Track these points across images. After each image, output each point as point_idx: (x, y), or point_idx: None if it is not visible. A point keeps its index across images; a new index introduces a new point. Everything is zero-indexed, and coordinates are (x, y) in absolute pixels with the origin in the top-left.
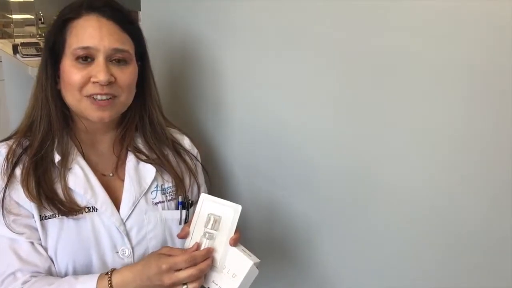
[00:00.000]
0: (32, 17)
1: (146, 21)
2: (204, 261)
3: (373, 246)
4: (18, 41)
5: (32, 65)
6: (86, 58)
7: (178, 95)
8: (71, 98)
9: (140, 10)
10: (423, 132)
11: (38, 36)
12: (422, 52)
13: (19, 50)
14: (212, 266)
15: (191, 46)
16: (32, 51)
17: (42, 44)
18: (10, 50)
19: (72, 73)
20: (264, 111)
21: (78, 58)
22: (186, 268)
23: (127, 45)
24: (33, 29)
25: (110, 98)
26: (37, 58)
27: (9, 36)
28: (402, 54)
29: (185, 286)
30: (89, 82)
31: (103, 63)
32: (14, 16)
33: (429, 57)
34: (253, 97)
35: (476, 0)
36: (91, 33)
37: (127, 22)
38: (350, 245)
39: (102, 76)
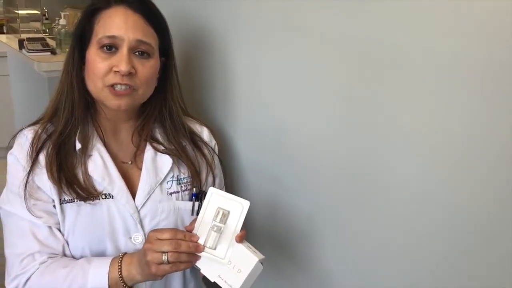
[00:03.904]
0: (38, 12)
1: None
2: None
3: (376, 245)
4: (23, 36)
5: (38, 60)
6: (111, 47)
7: (187, 88)
8: (93, 86)
9: None
10: (426, 131)
11: (42, 31)
12: (425, 50)
13: (25, 45)
14: (217, 260)
15: (201, 41)
16: (38, 46)
17: (48, 39)
18: (16, 45)
19: (96, 62)
20: (268, 110)
21: (103, 46)
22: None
23: (151, 39)
24: (37, 25)
25: (128, 88)
26: (42, 53)
27: (14, 31)
28: (406, 53)
29: (165, 256)
30: (110, 71)
31: (126, 54)
32: (20, 11)
33: (432, 55)
34: (262, 95)
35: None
36: (117, 23)
37: (154, 16)
38: (353, 244)
39: (123, 66)
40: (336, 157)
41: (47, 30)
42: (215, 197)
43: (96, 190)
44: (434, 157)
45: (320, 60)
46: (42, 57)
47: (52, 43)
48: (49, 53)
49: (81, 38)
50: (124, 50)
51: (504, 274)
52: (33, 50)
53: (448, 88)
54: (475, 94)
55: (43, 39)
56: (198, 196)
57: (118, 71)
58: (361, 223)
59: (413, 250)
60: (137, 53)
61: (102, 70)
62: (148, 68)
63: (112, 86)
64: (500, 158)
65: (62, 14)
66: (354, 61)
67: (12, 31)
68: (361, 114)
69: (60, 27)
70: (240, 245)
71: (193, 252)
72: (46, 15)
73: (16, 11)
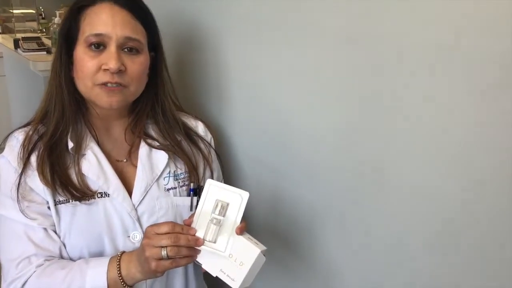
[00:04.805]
0: (33, 11)
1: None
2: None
3: (378, 239)
4: (19, 36)
5: (34, 60)
6: (99, 45)
7: (182, 83)
8: (83, 85)
9: None
10: (432, 127)
11: (39, 31)
12: (431, 46)
13: (20, 44)
14: (218, 253)
15: (194, 35)
16: (34, 45)
17: (44, 39)
18: (11, 45)
19: (84, 61)
20: (268, 103)
21: (90, 45)
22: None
23: (139, 35)
24: (34, 24)
25: (119, 86)
26: (38, 53)
27: (9, 31)
28: (410, 49)
29: (164, 251)
30: (100, 70)
31: (114, 51)
32: (15, 11)
33: (439, 53)
34: (258, 90)
35: None
36: (104, 20)
37: (141, 12)
38: (355, 237)
39: (112, 64)
40: (338, 149)
41: (44, 30)
42: (213, 189)
43: (91, 190)
44: (438, 153)
45: (321, 54)
46: (37, 56)
47: (48, 42)
48: (45, 53)
49: (67, 37)
50: (112, 47)
51: (509, 274)
52: (28, 49)
53: (454, 85)
54: (482, 91)
55: (38, 38)
56: (196, 191)
57: (107, 69)
58: (365, 216)
59: (418, 244)
60: (126, 50)
61: (91, 69)
62: (138, 65)
63: (102, 84)
64: (507, 156)
65: (58, 13)
66: (358, 56)
67: (8, 31)
68: (364, 108)
69: (55, 26)
70: (240, 237)
71: (193, 246)
72: (43, 14)
73: (11, 11)
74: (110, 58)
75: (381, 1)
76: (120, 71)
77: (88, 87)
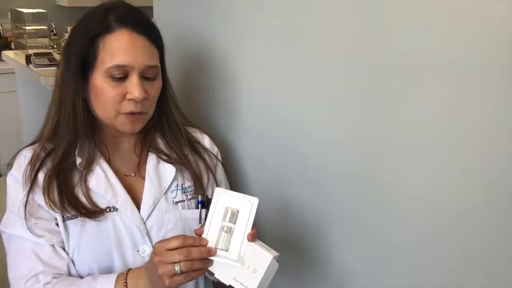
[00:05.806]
0: (45, 27)
1: (158, 21)
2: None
3: (387, 244)
4: (31, 51)
5: (45, 75)
6: (120, 76)
7: (190, 95)
8: (104, 113)
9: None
10: (437, 134)
11: (50, 47)
12: (433, 52)
13: (32, 60)
14: (231, 262)
15: (202, 48)
16: (45, 61)
17: (55, 54)
18: (23, 61)
19: (106, 90)
20: (275, 111)
21: (112, 75)
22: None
23: (156, 60)
24: (45, 41)
25: (142, 113)
26: (49, 68)
27: (22, 47)
28: (414, 53)
29: (178, 266)
30: (124, 99)
31: (137, 80)
32: (28, 27)
33: (441, 57)
34: (264, 97)
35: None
36: (125, 49)
37: (154, 34)
38: (364, 243)
39: (137, 93)
40: (345, 156)
41: (55, 46)
42: (223, 196)
43: (100, 207)
44: (443, 159)
45: (327, 61)
46: (49, 71)
47: (59, 58)
48: (56, 68)
49: (82, 61)
50: (134, 77)
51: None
52: (40, 65)
53: (457, 92)
54: (484, 95)
55: (49, 54)
56: (205, 204)
57: (132, 99)
58: (373, 221)
59: (426, 248)
60: (145, 77)
61: (114, 99)
62: (156, 89)
63: (128, 113)
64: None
65: (69, 29)
66: (363, 63)
67: (20, 47)
68: (370, 114)
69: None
70: (252, 244)
71: (206, 257)
72: (54, 31)
73: (24, 27)
74: (134, 88)
75: (386, 8)
76: (144, 99)
77: (111, 116)
